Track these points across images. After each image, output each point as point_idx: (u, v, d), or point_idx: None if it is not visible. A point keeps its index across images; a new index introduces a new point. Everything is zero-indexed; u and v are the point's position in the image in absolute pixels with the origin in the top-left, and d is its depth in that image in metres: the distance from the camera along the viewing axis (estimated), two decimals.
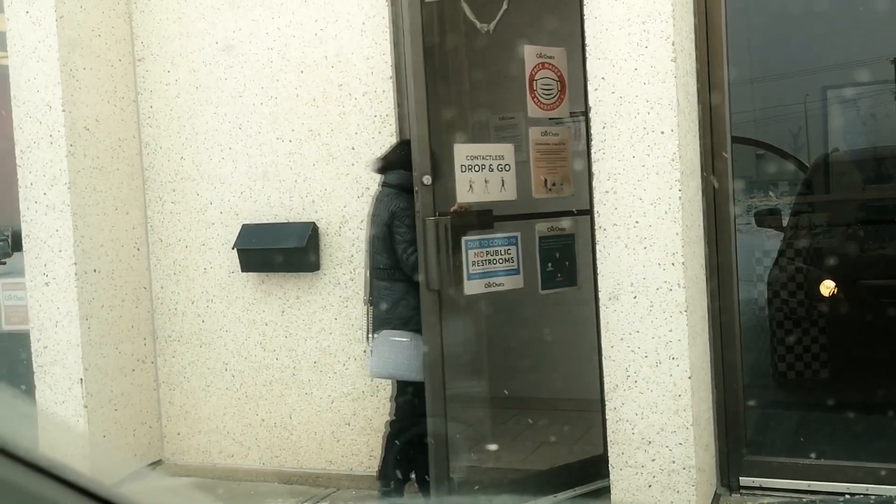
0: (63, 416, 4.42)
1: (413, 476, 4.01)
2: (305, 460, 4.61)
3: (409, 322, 3.81)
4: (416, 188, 3.66)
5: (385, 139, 4.34)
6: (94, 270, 4.53)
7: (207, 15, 4.67)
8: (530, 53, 4.13)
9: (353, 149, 4.41)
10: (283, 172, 4.56)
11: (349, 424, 4.51)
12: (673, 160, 3.54)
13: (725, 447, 3.96)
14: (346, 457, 4.53)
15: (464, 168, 3.88)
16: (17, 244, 4.69)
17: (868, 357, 4.92)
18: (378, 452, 4.46)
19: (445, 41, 4.86)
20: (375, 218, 3.91)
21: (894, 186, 5.75)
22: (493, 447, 4.59)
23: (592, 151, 3.69)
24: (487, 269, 3.97)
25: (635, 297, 3.61)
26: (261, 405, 4.69)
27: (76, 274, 4.42)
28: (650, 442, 3.62)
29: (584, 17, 3.66)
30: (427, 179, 3.64)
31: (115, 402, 4.63)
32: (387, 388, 4.42)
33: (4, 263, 4.98)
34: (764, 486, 3.94)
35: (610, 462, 3.70)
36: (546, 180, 4.18)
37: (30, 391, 4.51)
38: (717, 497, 3.92)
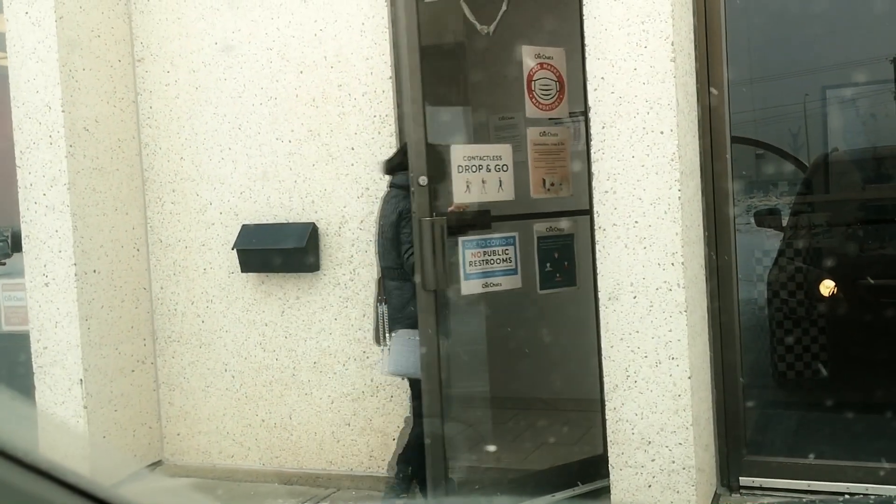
0: (63, 416, 4.41)
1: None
2: (305, 461, 4.61)
3: None
4: (412, 189, 3.66)
5: (385, 139, 4.34)
6: (94, 271, 4.53)
7: (207, 15, 4.67)
8: (528, 54, 4.13)
9: (352, 149, 4.41)
10: (283, 173, 4.56)
11: (349, 425, 4.52)
12: (672, 160, 3.54)
13: (725, 447, 3.96)
14: (346, 457, 4.53)
15: (461, 169, 3.88)
16: (16, 245, 4.69)
17: (868, 357, 4.92)
18: (378, 452, 4.47)
19: (446, 42, 4.86)
20: (383, 219, 3.94)
21: (894, 186, 5.75)
22: (492, 448, 4.59)
23: (592, 151, 3.69)
24: (484, 269, 3.98)
25: (635, 297, 3.61)
26: (261, 406, 4.69)
27: (76, 274, 4.42)
28: (650, 442, 3.62)
29: (584, 18, 3.67)
30: (423, 180, 3.65)
31: (115, 402, 4.63)
32: (387, 389, 4.42)
33: (4, 264, 4.97)
34: (764, 486, 3.94)
35: (610, 462, 3.70)
36: (545, 180, 4.18)
37: (29, 392, 4.51)
38: (717, 497, 3.92)
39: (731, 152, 3.94)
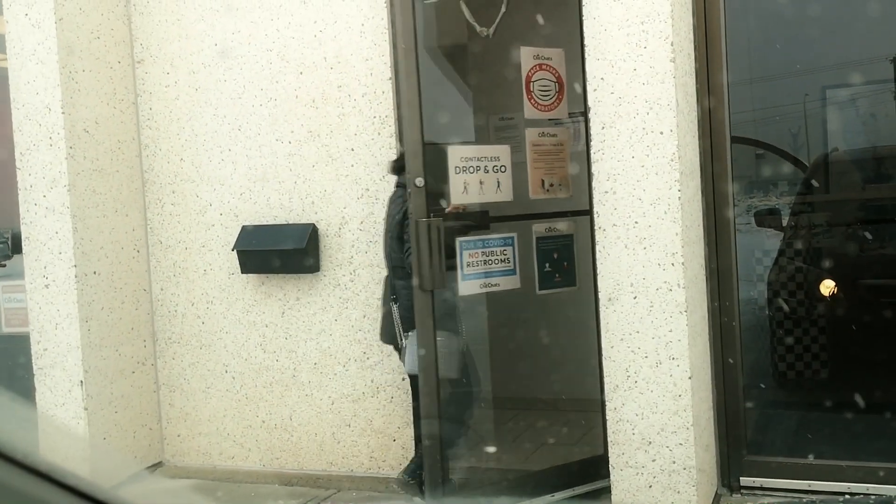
0: (63, 418, 4.42)
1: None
2: (306, 462, 4.61)
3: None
4: (408, 190, 3.67)
5: (385, 140, 4.34)
6: (94, 272, 4.53)
7: (206, 17, 4.67)
8: (527, 55, 4.13)
9: (352, 150, 4.42)
10: (283, 174, 4.56)
11: (349, 426, 4.51)
12: (672, 160, 3.54)
13: (726, 447, 3.96)
14: (347, 458, 4.53)
15: (458, 170, 3.89)
16: (16, 246, 4.69)
17: (868, 357, 4.92)
18: (379, 453, 4.47)
19: (445, 43, 4.86)
20: (390, 218, 3.97)
21: (894, 186, 5.75)
22: (491, 449, 4.59)
23: (592, 152, 3.70)
24: (482, 269, 3.98)
25: (635, 298, 3.61)
26: (261, 407, 4.69)
27: (76, 276, 4.42)
28: (650, 442, 3.62)
29: (583, 18, 3.67)
30: (420, 181, 3.66)
31: (116, 404, 4.63)
32: (387, 390, 4.42)
33: (4, 266, 4.97)
34: (764, 486, 3.94)
35: (610, 462, 3.70)
36: (543, 181, 4.18)
37: (30, 394, 4.51)
38: (717, 497, 3.92)
39: (730, 152, 3.94)
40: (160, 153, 4.81)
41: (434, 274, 3.66)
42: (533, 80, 4.14)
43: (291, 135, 4.53)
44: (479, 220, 3.96)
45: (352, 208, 4.43)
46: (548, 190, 4.21)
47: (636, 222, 3.60)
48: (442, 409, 3.81)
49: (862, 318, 5.01)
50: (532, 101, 4.14)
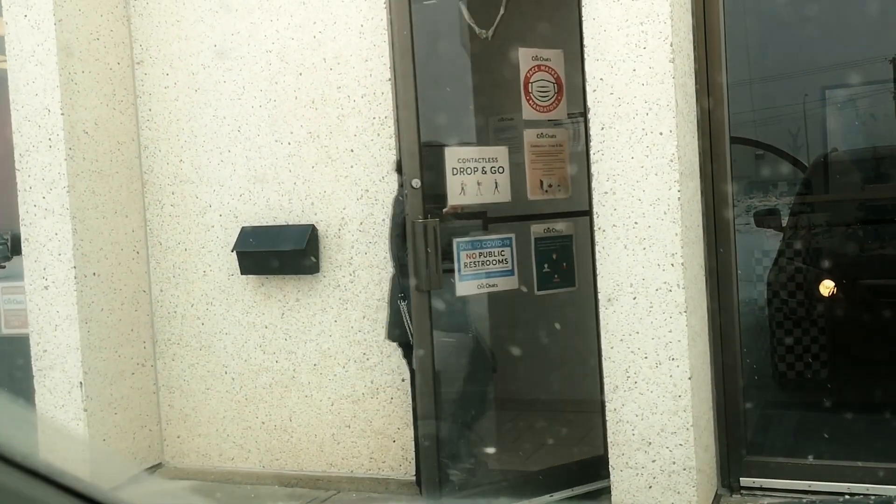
0: (63, 419, 4.41)
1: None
2: (305, 463, 4.61)
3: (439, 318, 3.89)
4: (405, 191, 3.69)
5: (384, 141, 4.34)
6: (94, 274, 4.53)
7: (206, 18, 4.67)
8: (525, 56, 4.13)
9: (352, 151, 4.41)
10: (283, 175, 4.56)
11: (349, 427, 4.51)
12: (672, 161, 3.54)
13: (726, 448, 3.96)
14: (347, 459, 4.53)
15: (455, 171, 3.90)
16: (16, 248, 4.69)
17: (868, 357, 4.92)
18: (378, 454, 4.47)
19: (444, 43, 4.86)
20: (396, 218, 3.98)
21: (893, 186, 5.76)
22: (491, 450, 4.59)
23: (591, 152, 3.70)
24: (480, 270, 3.99)
25: (635, 298, 3.61)
26: (261, 408, 4.69)
27: (75, 277, 4.42)
28: (650, 443, 3.62)
29: (583, 19, 3.67)
30: (416, 183, 3.67)
31: (115, 405, 4.62)
32: (387, 391, 4.42)
33: (4, 267, 4.98)
34: (764, 486, 3.94)
35: (610, 463, 3.70)
36: (542, 182, 4.19)
37: (29, 395, 4.51)
38: (717, 497, 3.92)
39: (730, 153, 3.94)
40: (160, 154, 4.81)
41: (430, 275, 3.67)
42: (531, 81, 4.14)
43: (291, 136, 4.53)
44: (475, 221, 3.97)
45: (351, 209, 4.43)
46: (546, 191, 4.21)
47: (636, 223, 3.60)
48: (477, 404, 3.86)
49: (862, 318, 5.02)
50: (530, 102, 4.14)
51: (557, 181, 4.24)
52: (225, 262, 4.69)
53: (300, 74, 4.50)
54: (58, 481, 0.84)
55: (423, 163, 3.73)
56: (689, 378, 3.56)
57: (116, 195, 4.69)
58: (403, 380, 4.30)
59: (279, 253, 4.47)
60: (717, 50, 3.87)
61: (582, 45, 3.68)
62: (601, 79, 3.63)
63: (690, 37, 3.83)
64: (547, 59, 4.18)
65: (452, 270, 3.94)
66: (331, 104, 4.45)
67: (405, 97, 3.70)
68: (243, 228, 4.61)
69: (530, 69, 4.13)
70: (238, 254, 4.58)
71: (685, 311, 3.55)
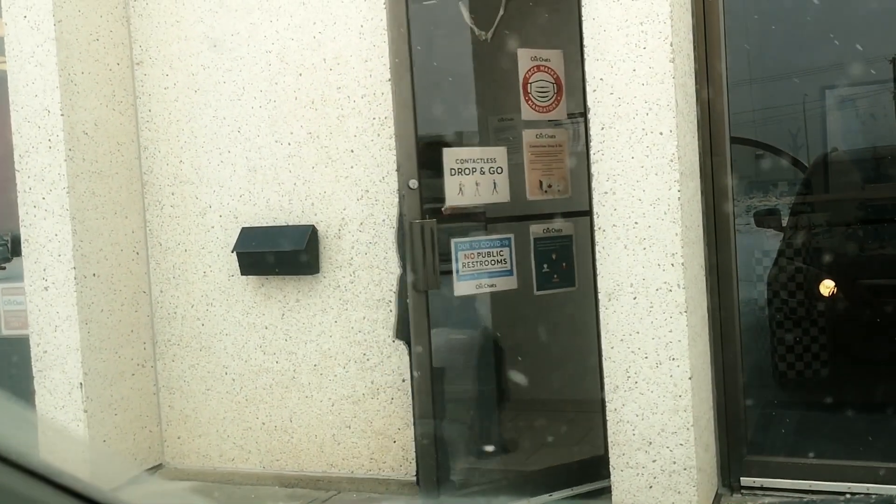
0: (63, 420, 4.41)
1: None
2: (306, 463, 4.61)
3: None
4: (402, 192, 3.70)
5: (384, 142, 4.34)
6: (94, 275, 4.53)
7: (206, 18, 4.67)
8: (524, 56, 4.14)
9: (352, 151, 4.41)
10: (283, 175, 4.56)
11: (350, 427, 4.51)
12: (672, 161, 3.54)
13: (726, 447, 3.96)
14: (347, 459, 4.53)
15: (453, 171, 3.90)
16: (16, 249, 4.69)
17: (868, 356, 4.92)
18: (379, 455, 4.47)
19: (444, 43, 4.86)
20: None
21: (894, 186, 5.76)
22: (489, 448, 4.60)
23: (591, 152, 3.70)
24: (478, 270, 3.99)
25: (635, 298, 3.61)
26: (261, 408, 4.68)
27: (75, 278, 4.42)
28: (651, 443, 3.62)
29: (583, 19, 3.67)
30: (413, 183, 3.68)
31: (115, 406, 4.62)
32: (387, 391, 4.41)
33: (4, 268, 4.97)
34: (765, 486, 3.94)
35: (611, 463, 3.70)
36: (542, 182, 4.19)
37: (29, 396, 4.51)
38: (718, 497, 3.92)
39: (730, 153, 3.95)
40: (159, 155, 4.81)
41: (427, 275, 3.68)
42: (531, 81, 4.14)
43: (291, 136, 4.53)
44: (475, 221, 3.97)
45: (351, 210, 4.43)
46: (545, 191, 4.21)
47: (636, 223, 3.60)
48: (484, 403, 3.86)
49: (862, 317, 5.02)
50: (529, 102, 4.14)
51: (557, 181, 4.24)
52: (225, 262, 4.69)
53: (300, 75, 4.50)
54: (58, 482, 0.84)
55: (420, 163, 3.74)
56: (690, 378, 3.56)
57: (116, 196, 4.69)
58: (404, 380, 4.30)
59: (279, 253, 4.47)
60: (718, 50, 3.87)
61: (582, 45, 3.68)
62: (601, 79, 3.62)
63: (690, 37, 3.83)
64: (546, 60, 4.18)
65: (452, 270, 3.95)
66: (331, 104, 4.45)
67: (403, 97, 3.70)
68: (243, 229, 4.61)
69: (529, 69, 4.14)
70: (238, 254, 4.57)
71: (685, 311, 3.55)
